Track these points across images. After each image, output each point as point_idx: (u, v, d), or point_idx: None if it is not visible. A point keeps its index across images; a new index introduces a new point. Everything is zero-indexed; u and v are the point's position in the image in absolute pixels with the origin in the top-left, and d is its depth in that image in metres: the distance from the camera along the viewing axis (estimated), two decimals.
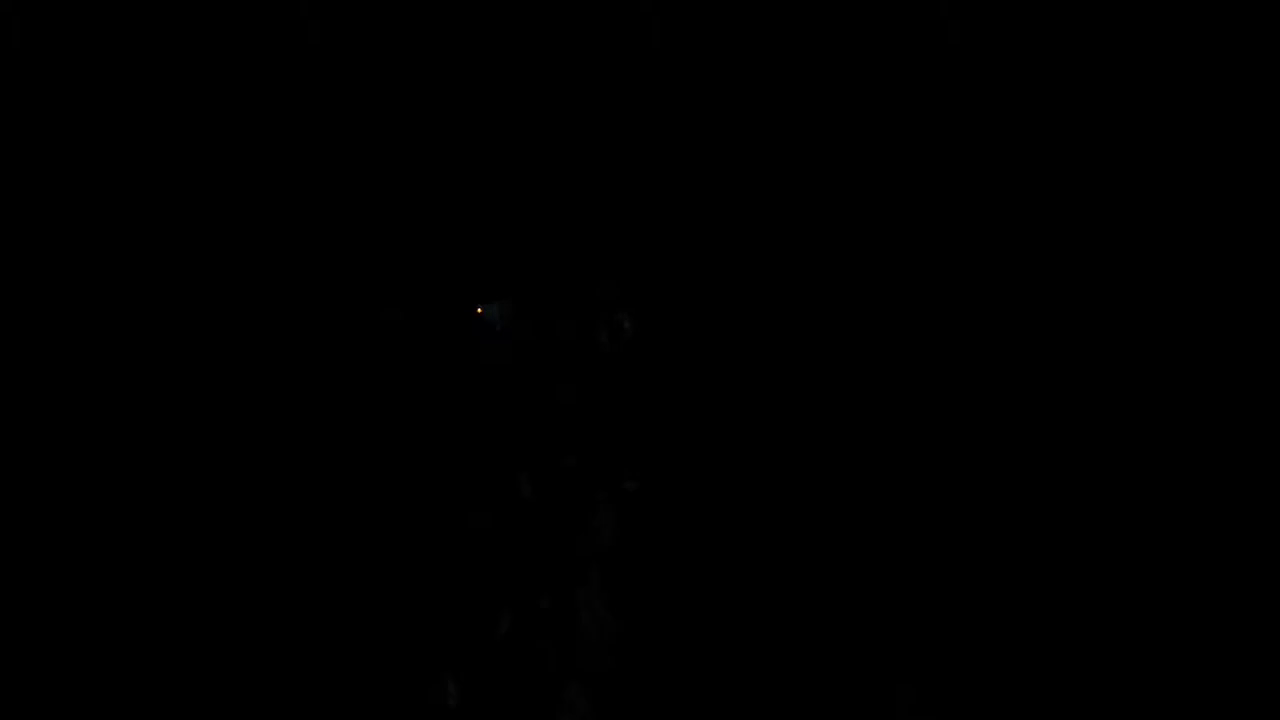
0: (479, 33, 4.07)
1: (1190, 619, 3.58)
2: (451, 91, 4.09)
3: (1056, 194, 3.85)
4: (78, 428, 3.88)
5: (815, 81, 3.96)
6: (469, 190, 4.09)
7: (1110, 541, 3.66)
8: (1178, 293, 3.74)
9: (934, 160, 3.91)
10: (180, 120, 4.02)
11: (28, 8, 3.95)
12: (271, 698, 3.80)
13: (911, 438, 3.78)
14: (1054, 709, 3.60)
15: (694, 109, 4.01)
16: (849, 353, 3.86)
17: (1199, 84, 3.77)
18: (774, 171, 3.98)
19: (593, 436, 3.97)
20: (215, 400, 3.92)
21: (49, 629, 3.77)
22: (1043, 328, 3.79)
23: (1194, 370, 3.69)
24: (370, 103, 4.07)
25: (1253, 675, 3.52)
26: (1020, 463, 3.73)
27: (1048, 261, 3.82)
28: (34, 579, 3.80)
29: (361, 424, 3.97)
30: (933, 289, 3.86)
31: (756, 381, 3.90)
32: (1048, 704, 3.60)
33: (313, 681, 3.80)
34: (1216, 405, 3.67)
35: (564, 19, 4.05)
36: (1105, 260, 3.79)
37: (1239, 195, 3.74)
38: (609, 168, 4.05)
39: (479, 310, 4.03)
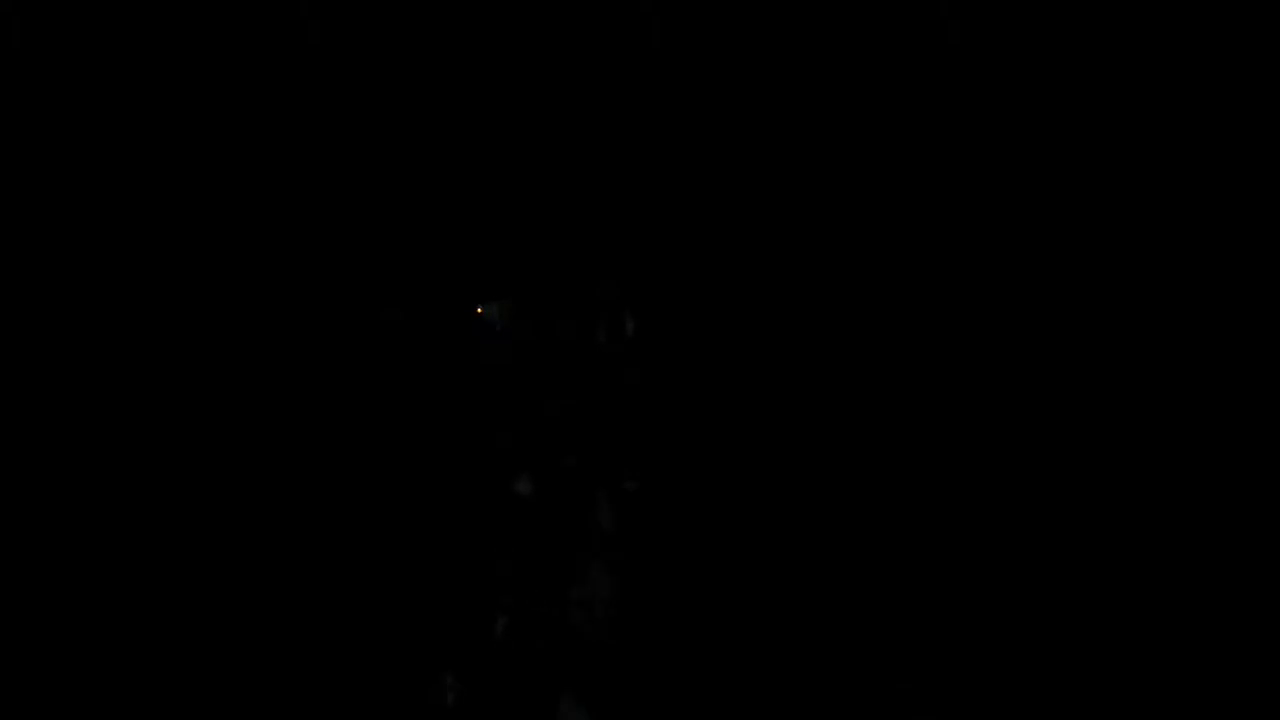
0: (479, 33, 4.08)
1: (1191, 619, 3.58)
2: (451, 91, 4.10)
3: (1057, 194, 3.86)
4: (76, 427, 3.89)
5: (816, 81, 3.97)
6: (469, 190, 4.10)
7: (1111, 541, 3.67)
8: (1179, 293, 3.74)
9: (935, 160, 3.92)
10: (180, 120, 4.03)
11: (28, 8, 3.96)
12: (268, 698, 3.80)
13: (913, 438, 3.79)
14: (1054, 709, 3.60)
15: (694, 109, 4.02)
16: (850, 352, 3.86)
17: (1201, 84, 3.77)
18: (775, 171, 3.99)
19: (593, 436, 3.97)
20: (214, 399, 3.93)
21: (49, 629, 3.78)
22: (1045, 328, 3.80)
23: (1195, 370, 3.70)
24: (370, 103, 4.08)
25: (1253, 675, 3.53)
26: (1021, 462, 3.73)
27: (1049, 261, 3.82)
28: (33, 579, 3.80)
29: (361, 424, 3.97)
30: (935, 289, 3.87)
31: (758, 381, 3.91)
32: (1048, 704, 3.61)
33: (310, 681, 3.80)
34: (1217, 405, 3.68)
35: (564, 19, 4.05)
36: (1107, 260, 3.80)
37: (1239, 195, 3.75)
38: (609, 168, 4.06)
39: (479, 310, 4.03)
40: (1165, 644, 3.58)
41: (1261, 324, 3.70)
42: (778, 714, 3.68)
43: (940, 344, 3.84)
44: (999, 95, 3.91)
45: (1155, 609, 3.61)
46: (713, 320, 3.97)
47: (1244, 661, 3.53)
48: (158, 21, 4.05)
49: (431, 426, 4.03)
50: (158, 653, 3.79)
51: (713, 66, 4.04)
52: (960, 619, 3.69)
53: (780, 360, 3.92)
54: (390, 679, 3.82)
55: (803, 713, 3.68)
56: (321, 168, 4.09)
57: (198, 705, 3.77)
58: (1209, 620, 3.58)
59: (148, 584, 3.83)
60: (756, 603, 3.76)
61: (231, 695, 3.78)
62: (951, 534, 3.73)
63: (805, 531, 3.79)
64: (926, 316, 3.88)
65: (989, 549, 3.72)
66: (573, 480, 3.95)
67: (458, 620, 3.85)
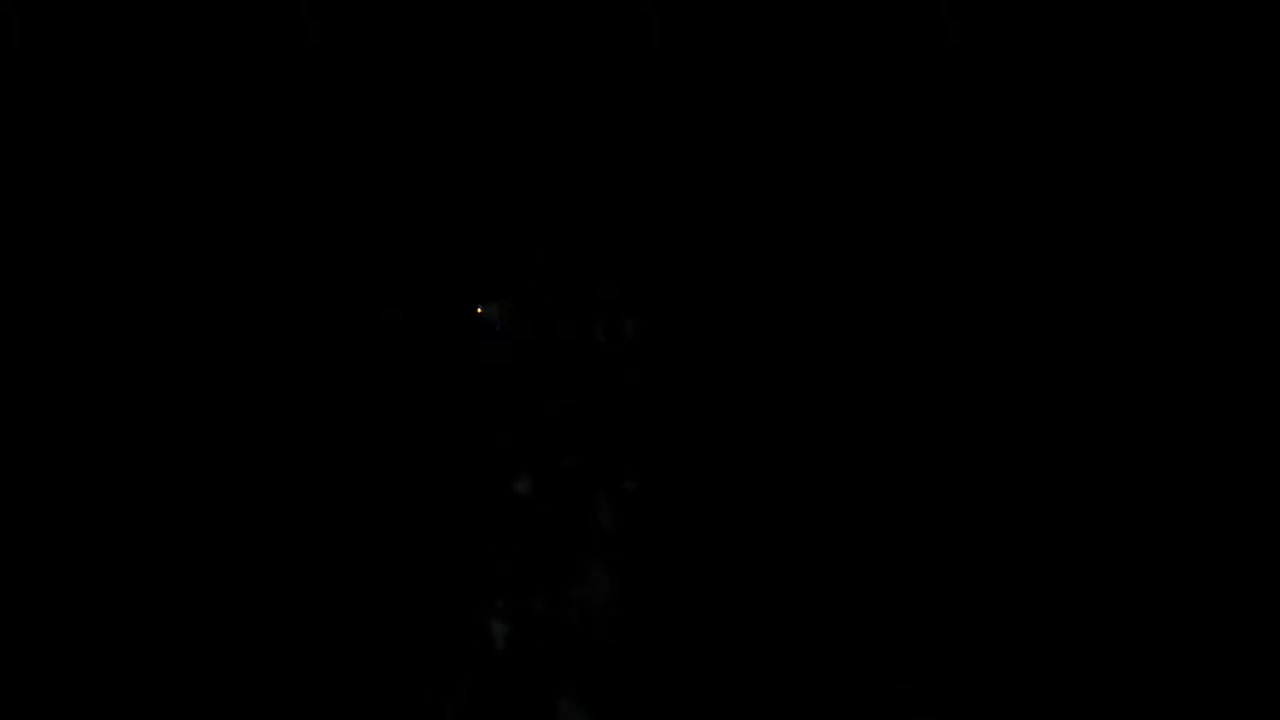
0: (479, 33, 4.08)
1: (1191, 619, 3.58)
2: (451, 92, 4.10)
3: (1057, 195, 3.85)
4: (76, 427, 3.88)
5: (816, 81, 3.97)
6: (469, 190, 4.10)
7: (1111, 541, 3.67)
8: (1179, 293, 3.74)
9: (935, 160, 3.91)
10: (180, 120, 4.03)
11: (28, 8, 3.95)
12: (269, 696, 3.80)
13: (913, 438, 3.78)
14: (1054, 709, 3.60)
15: (694, 109, 4.01)
16: (850, 352, 3.86)
17: (1201, 84, 3.77)
18: (774, 171, 3.99)
19: (593, 436, 3.97)
20: (215, 400, 3.92)
21: (49, 628, 3.78)
22: (1045, 329, 3.79)
23: (1195, 371, 3.69)
24: (370, 103, 4.07)
25: (1253, 675, 3.53)
26: (1020, 463, 3.73)
27: (1049, 262, 3.82)
28: (33, 578, 3.80)
29: (361, 424, 3.97)
30: (935, 289, 3.87)
31: (757, 381, 3.90)
32: (1048, 704, 3.61)
33: (310, 680, 3.80)
34: (1218, 406, 3.67)
35: (564, 19, 4.05)
36: (1107, 260, 3.80)
37: (1240, 196, 3.74)
38: (609, 168, 4.06)
39: (479, 310, 4.03)
40: (1165, 643, 3.58)
41: (1261, 324, 3.69)
42: (778, 714, 3.68)
43: (940, 343, 3.84)
44: (999, 95, 3.91)
45: (1154, 609, 3.61)
46: (712, 320, 3.97)
47: (1244, 661, 3.53)
48: (158, 21, 4.05)
49: (432, 426, 4.03)
50: (158, 653, 3.79)
51: (712, 67, 4.04)
52: (960, 619, 3.69)
53: (780, 360, 3.92)
54: (391, 678, 3.82)
55: (803, 713, 3.68)
56: (322, 168, 4.09)
57: (198, 705, 3.76)
58: (1209, 620, 3.57)
59: (148, 584, 3.83)
60: (756, 603, 3.75)
61: (232, 694, 3.78)
62: (951, 534, 3.73)
63: (805, 531, 3.78)
64: (927, 316, 3.88)
65: (988, 549, 3.71)
66: (573, 480, 3.95)
67: (458, 620, 3.85)
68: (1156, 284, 3.76)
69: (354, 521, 3.88)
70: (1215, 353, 3.69)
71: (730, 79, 3.99)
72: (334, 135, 4.04)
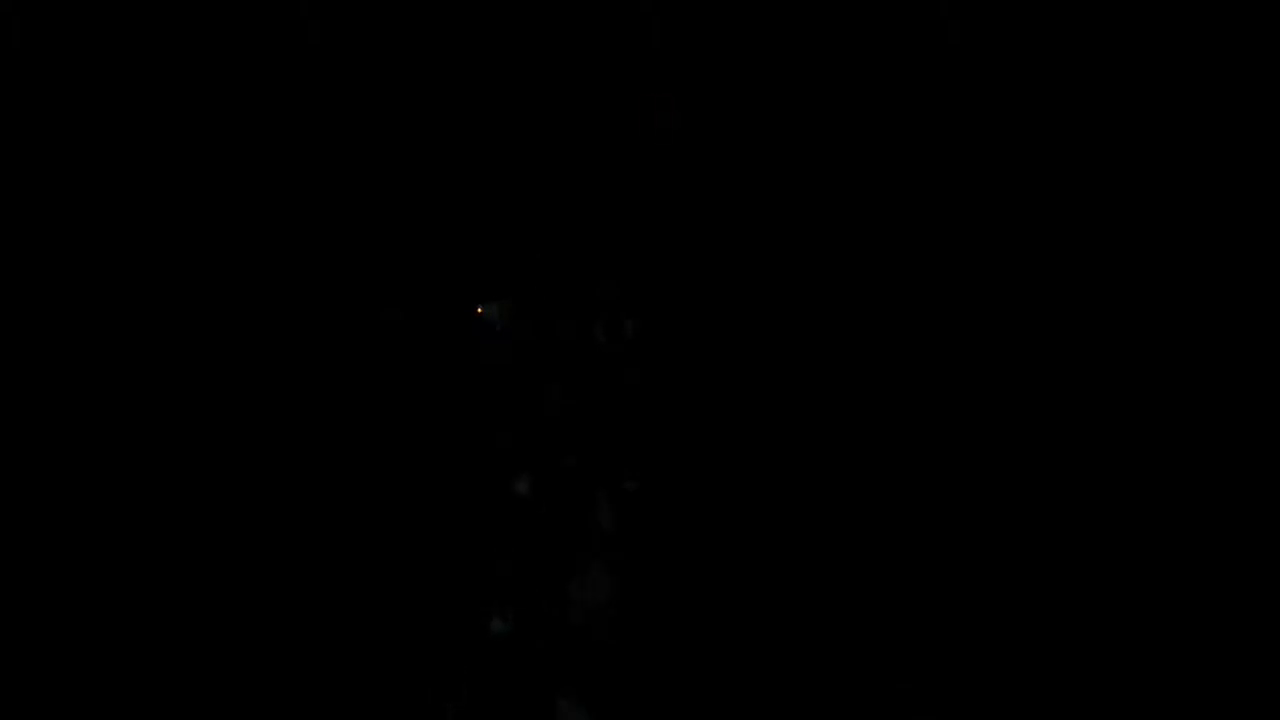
0: (479, 33, 4.08)
1: (1191, 619, 3.58)
2: (451, 91, 4.10)
3: (1057, 195, 3.86)
4: (76, 427, 3.89)
5: (815, 81, 3.97)
6: (468, 190, 4.10)
7: (1111, 541, 3.67)
8: (1181, 294, 3.74)
9: (936, 161, 3.92)
10: (180, 120, 4.03)
11: (28, 8, 3.96)
12: (268, 697, 3.80)
13: (913, 437, 3.78)
14: (1054, 709, 3.60)
15: (694, 109, 4.02)
16: (850, 353, 3.86)
17: (1202, 84, 3.77)
18: (774, 171, 3.99)
19: (593, 436, 3.97)
20: (213, 400, 3.93)
21: (49, 628, 3.78)
22: (1045, 330, 3.80)
23: (1197, 371, 3.69)
24: (370, 103, 4.08)
25: (1253, 675, 3.53)
26: (1020, 463, 3.73)
27: (1050, 263, 3.82)
28: (33, 578, 3.80)
29: (361, 424, 3.97)
30: (935, 290, 3.87)
31: (757, 381, 3.91)
32: (1048, 704, 3.61)
33: (309, 681, 3.80)
34: (1218, 407, 3.68)
35: (564, 19, 4.06)
36: (1107, 261, 3.80)
37: (1240, 196, 3.75)
38: (609, 168, 4.06)
39: (479, 310, 4.04)
40: (1165, 644, 3.58)
41: (1261, 324, 3.70)
42: (778, 714, 3.68)
43: (941, 344, 3.85)
44: (999, 96, 3.91)
45: (1155, 609, 3.61)
46: (712, 320, 3.98)
47: (1244, 661, 3.53)
48: (158, 21, 4.05)
49: (432, 426, 4.03)
50: (158, 654, 3.79)
51: (712, 67, 4.05)
52: (960, 619, 3.69)
53: (780, 360, 3.92)
54: (390, 678, 3.82)
55: (803, 713, 3.68)
56: (321, 168, 4.09)
57: (197, 705, 3.77)
58: (1209, 620, 3.58)
59: (147, 586, 3.83)
60: (756, 603, 3.76)
61: (231, 695, 3.78)
62: (951, 534, 3.73)
63: (805, 531, 3.79)
64: (927, 317, 3.88)
65: (988, 549, 3.72)
66: (573, 480, 3.95)
67: (458, 620, 3.85)
68: (1159, 285, 3.76)
69: (353, 521, 3.88)
70: (1216, 353, 3.69)
71: (730, 79, 3.99)
72: (333, 135, 4.04)
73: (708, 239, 4.03)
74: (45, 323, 3.99)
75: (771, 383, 3.92)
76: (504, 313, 4.07)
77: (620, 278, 4.07)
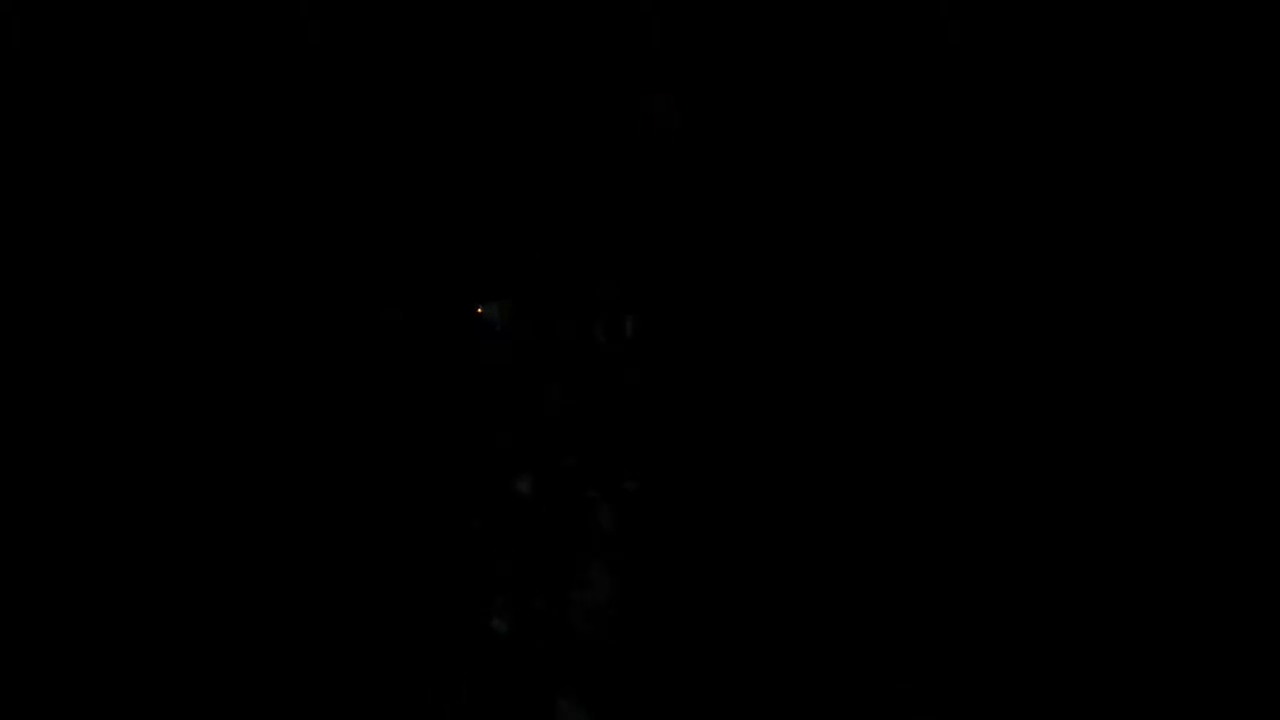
0: (479, 33, 4.08)
1: (1191, 619, 3.58)
2: (451, 92, 4.10)
3: (1057, 196, 3.86)
4: (75, 427, 3.89)
5: (815, 81, 3.97)
6: (468, 190, 4.10)
7: (1112, 541, 3.67)
8: (1180, 294, 3.74)
9: (935, 161, 3.92)
10: (180, 120, 4.03)
11: (28, 8, 3.96)
12: (266, 697, 3.80)
13: (913, 437, 3.79)
14: (1054, 709, 3.60)
15: (694, 109, 4.02)
16: (851, 353, 3.86)
17: (1202, 84, 3.77)
18: (774, 171, 3.99)
19: (593, 436, 3.97)
20: (213, 400, 3.93)
21: (49, 628, 3.78)
22: (1045, 330, 3.80)
23: (1197, 372, 3.70)
24: (370, 103, 4.08)
25: (1253, 675, 3.53)
26: (1020, 463, 3.73)
27: (1050, 263, 3.82)
28: (33, 578, 3.80)
29: (361, 424, 3.97)
30: (934, 289, 3.87)
31: (757, 381, 3.91)
32: (1048, 704, 3.61)
33: (308, 681, 3.80)
34: (1218, 407, 3.68)
35: (564, 19, 4.06)
36: (1107, 261, 3.80)
37: (1239, 196, 3.75)
38: (609, 168, 4.06)
39: (479, 310, 4.04)
40: (1165, 644, 3.58)
41: (1261, 324, 3.70)
42: (777, 714, 3.68)
43: (942, 345, 3.85)
44: (999, 96, 3.91)
45: (1155, 609, 3.61)
46: (712, 320, 3.98)
47: (1244, 662, 3.53)
48: (157, 21, 4.05)
49: (431, 426, 4.03)
50: (156, 653, 3.79)
51: (712, 67, 4.05)
52: (960, 619, 3.69)
53: (780, 360, 3.92)
54: (389, 679, 3.82)
55: (803, 713, 3.68)
56: (321, 168, 4.09)
57: (197, 704, 3.77)
58: (1209, 621, 3.58)
59: (146, 584, 3.83)
60: (756, 603, 3.76)
61: (230, 695, 3.78)
62: (951, 534, 3.74)
63: (805, 531, 3.79)
64: (928, 317, 3.89)
65: (988, 549, 3.72)
66: (573, 480, 3.95)
67: (458, 620, 3.85)
68: (1158, 285, 3.76)
69: (353, 521, 3.89)
70: (1215, 353, 3.69)
71: (729, 79, 3.99)
72: (333, 135, 4.04)
73: (707, 239, 4.03)
74: (45, 322, 3.99)
75: (772, 383, 3.92)
76: (504, 313, 4.07)
77: (620, 278, 4.08)
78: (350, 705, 3.82)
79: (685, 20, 4.10)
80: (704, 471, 3.88)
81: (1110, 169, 3.88)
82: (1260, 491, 3.64)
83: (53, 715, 3.79)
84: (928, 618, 3.72)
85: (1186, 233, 3.83)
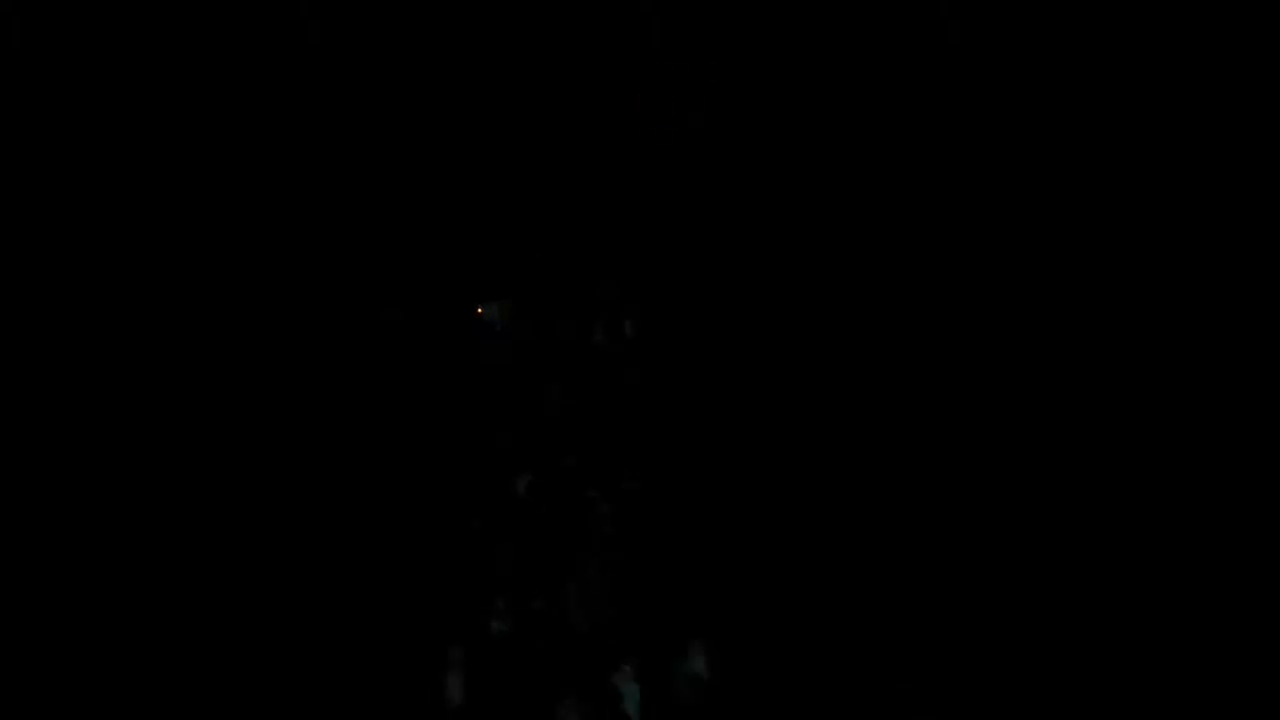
0: (479, 35, 4.07)
1: (1191, 619, 3.56)
2: (452, 93, 4.09)
3: (1057, 196, 3.85)
4: (79, 426, 3.88)
5: (815, 81, 3.96)
6: (469, 191, 4.09)
7: (1111, 542, 3.65)
8: (1178, 293, 3.73)
9: (934, 160, 3.91)
10: (181, 120, 4.02)
11: (28, 8, 3.95)
12: (268, 695, 3.79)
13: (913, 438, 3.77)
14: (1054, 709, 3.58)
15: (693, 110, 4.01)
16: (850, 353, 3.86)
17: (1199, 84, 3.76)
18: (774, 171, 3.98)
19: (593, 436, 3.97)
20: (216, 399, 3.92)
21: (49, 628, 3.76)
22: (1045, 329, 3.78)
23: (1194, 372, 3.68)
24: (371, 104, 4.07)
25: (1253, 675, 3.51)
26: (1020, 465, 3.72)
27: (1049, 262, 3.81)
28: (34, 579, 3.79)
29: (361, 423, 3.96)
30: (933, 289, 3.86)
31: (757, 381, 3.90)
32: (1048, 704, 3.59)
33: (310, 679, 3.78)
34: (1217, 407, 3.66)
35: (564, 21, 4.05)
36: (1105, 260, 3.79)
37: (1239, 196, 3.73)
38: (609, 169, 4.05)
39: (479, 310, 4.03)
40: (1165, 644, 3.56)
41: (1261, 324, 3.68)
42: (777, 713, 3.67)
43: (941, 342, 3.84)
44: (999, 96, 3.90)
45: (1154, 609, 3.60)
46: (711, 320, 3.97)
47: (1244, 661, 3.52)
48: (158, 22, 4.04)
49: (432, 426, 4.02)
50: (158, 649, 3.77)
51: (712, 68, 4.04)
52: (959, 619, 3.67)
53: (780, 360, 3.91)
54: (390, 677, 3.80)
55: (803, 712, 3.66)
56: (322, 169, 4.08)
57: (197, 703, 3.75)
58: (1209, 620, 3.56)
59: (150, 580, 3.82)
60: (756, 602, 3.74)
61: (232, 692, 3.76)
62: (951, 535, 3.72)
63: (805, 531, 3.77)
64: (926, 317, 3.87)
65: (988, 550, 3.70)
66: (573, 480, 3.94)
67: (458, 619, 3.84)
68: (1156, 284, 3.75)
69: (354, 521, 3.88)
70: (1215, 353, 3.68)
71: (729, 81, 3.98)
72: (335, 136, 4.03)
73: (707, 240, 4.02)
74: (45, 321, 3.98)
75: (770, 382, 3.91)
76: (504, 313, 4.06)
77: (620, 278, 4.07)
78: (351, 704, 3.80)
79: (685, 27, 4.09)
80: (702, 471, 3.87)
81: (1111, 169, 3.87)
82: (1257, 491, 3.62)
83: (53, 715, 3.77)
84: (927, 618, 3.70)
85: (1186, 232, 3.81)
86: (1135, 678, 3.68)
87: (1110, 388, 3.80)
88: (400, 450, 3.87)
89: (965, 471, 3.81)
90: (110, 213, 3.77)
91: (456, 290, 3.76)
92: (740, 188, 3.83)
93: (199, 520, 3.84)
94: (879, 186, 3.73)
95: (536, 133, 3.83)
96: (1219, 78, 3.85)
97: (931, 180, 3.74)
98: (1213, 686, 3.63)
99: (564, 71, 3.86)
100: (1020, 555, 3.78)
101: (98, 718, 3.90)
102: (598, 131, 3.84)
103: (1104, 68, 3.87)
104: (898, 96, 3.77)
